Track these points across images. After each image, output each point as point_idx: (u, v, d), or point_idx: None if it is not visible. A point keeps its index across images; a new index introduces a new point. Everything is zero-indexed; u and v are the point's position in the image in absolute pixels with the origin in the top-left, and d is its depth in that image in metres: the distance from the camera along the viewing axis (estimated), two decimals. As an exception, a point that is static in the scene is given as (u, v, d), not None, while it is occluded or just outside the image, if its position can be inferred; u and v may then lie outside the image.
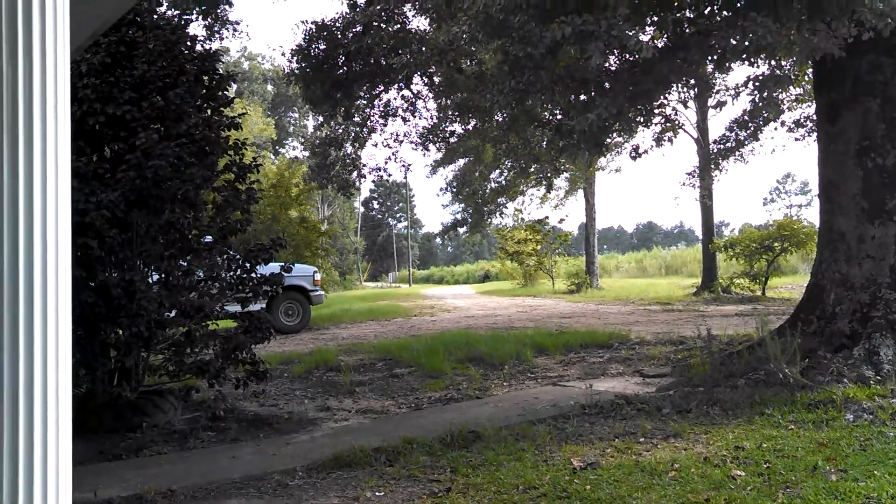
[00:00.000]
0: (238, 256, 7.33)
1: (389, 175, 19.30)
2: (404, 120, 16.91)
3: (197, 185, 6.69)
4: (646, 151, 12.74)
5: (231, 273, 7.29)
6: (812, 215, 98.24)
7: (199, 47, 7.31)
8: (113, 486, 4.82)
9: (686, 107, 23.77)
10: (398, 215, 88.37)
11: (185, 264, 7.01)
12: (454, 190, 30.11)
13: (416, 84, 15.93)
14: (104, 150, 6.70)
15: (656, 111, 10.53)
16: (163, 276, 6.89)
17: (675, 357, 9.62)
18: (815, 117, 12.57)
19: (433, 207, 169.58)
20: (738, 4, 7.22)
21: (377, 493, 4.53)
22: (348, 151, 17.88)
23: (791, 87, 15.34)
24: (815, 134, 9.84)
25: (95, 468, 5.38)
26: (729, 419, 5.91)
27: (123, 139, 6.49)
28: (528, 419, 6.35)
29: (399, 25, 14.05)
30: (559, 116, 10.22)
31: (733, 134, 18.42)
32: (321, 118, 17.51)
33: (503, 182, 27.64)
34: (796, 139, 17.57)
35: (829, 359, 7.03)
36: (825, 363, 6.95)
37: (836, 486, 4.11)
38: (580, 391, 7.45)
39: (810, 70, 11.25)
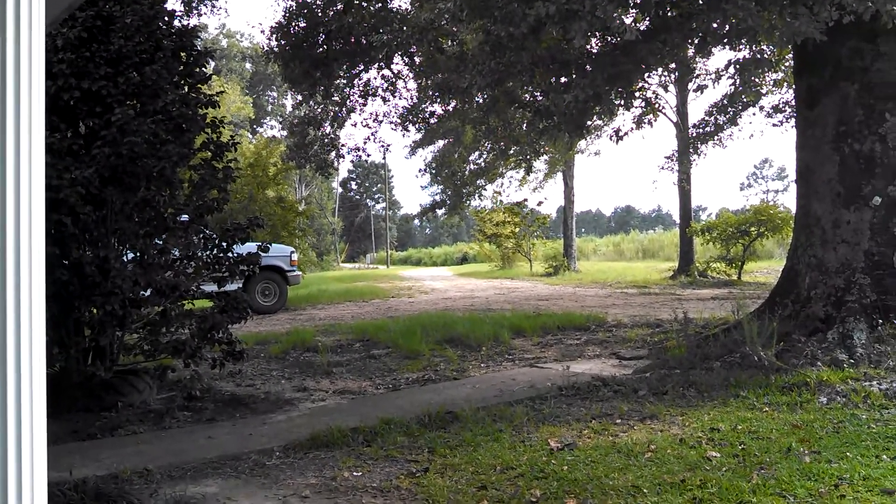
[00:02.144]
0: (214, 235, 7.27)
1: (368, 155, 19.24)
2: (384, 100, 16.81)
3: (173, 163, 6.60)
4: (626, 134, 12.75)
5: (207, 252, 7.24)
6: (788, 200, 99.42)
7: (176, 23, 7.20)
8: (88, 465, 4.77)
9: (666, 90, 23.87)
10: (376, 196, 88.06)
11: (161, 243, 6.94)
12: (433, 171, 30.07)
13: (397, 64, 15.84)
14: (79, 126, 6.60)
15: (636, 94, 10.54)
16: (138, 254, 6.82)
17: (652, 340, 9.69)
18: (793, 103, 12.66)
19: (412, 189, 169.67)
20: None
21: (355, 473, 4.53)
22: (327, 131, 17.76)
23: (771, 72, 15.43)
24: (794, 119, 9.90)
25: (70, 447, 5.33)
26: (704, 401, 5.97)
27: (99, 115, 6.39)
28: (505, 400, 6.38)
29: (380, 4, 13.93)
30: (539, 98, 10.20)
31: (712, 118, 18.54)
32: (300, 97, 17.36)
33: (482, 164, 27.63)
34: (774, 125, 17.73)
35: (803, 342, 7.10)
36: (800, 346, 7.02)
37: (810, 468, 4.16)
38: (557, 373, 7.49)
39: (790, 55, 11.31)
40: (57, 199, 5.79)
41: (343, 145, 18.50)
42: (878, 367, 6.48)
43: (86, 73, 6.34)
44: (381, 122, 17.54)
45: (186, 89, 7.11)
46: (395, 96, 16.78)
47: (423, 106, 17.12)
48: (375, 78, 16.37)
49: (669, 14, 7.79)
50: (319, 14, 13.59)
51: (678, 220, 27.49)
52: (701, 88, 20.19)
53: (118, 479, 4.50)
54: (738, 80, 15.19)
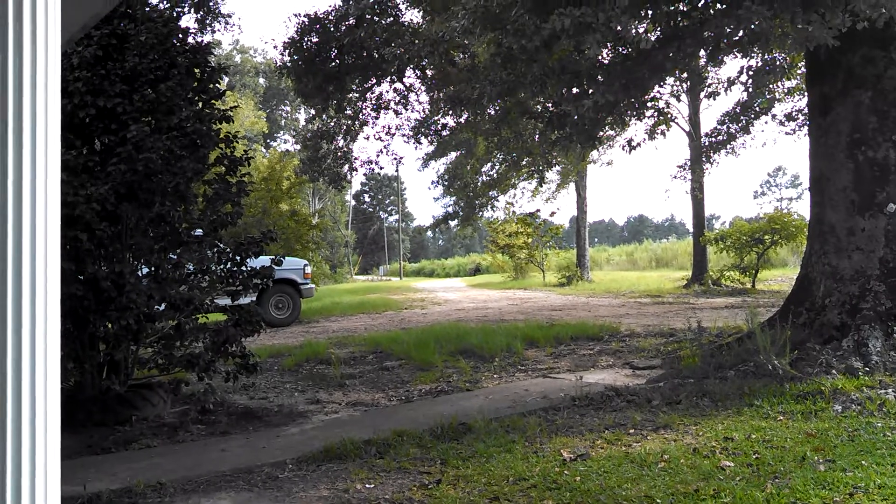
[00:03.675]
0: (228, 249, 7.31)
1: (381, 168, 19.31)
2: (396, 113, 16.92)
3: (188, 178, 6.67)
4: (639, 144, 12.71)
5: (221, 266, 7.28)
6: (802, 208, 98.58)
7: (190, 40, 7.30)
8: (102, 479, 4.81)
9: (679, 100, 23.87)
10: (389, 208, 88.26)
11: (175, 257, 6.99)
12: (446, 183, 30.17)
13: (409, 77, 15.94)
14: (95, 143, 6.67)
15: (649, 104, 10.54)
16: (152, 269, 6.87)
17: (665, 349, 9.65)
18: (806, 111, 12.62)
19: (424, 200, 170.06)
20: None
21: (367, 486, 4.53)
22: (340, 144, 17.88)
23: (784, 80, 15.41)
24: (807, 127, 9.87)
25: (84, 461, 5.37)
26: (718, 410, 5.94)
27: (114, 132, 6.47)
28: (518, 411, 6.37)
29: (392, 18, 14.03)
30: (551, 109, 10.22)
31: (725, 127, 18.53)
32: (313, 111, 17.50)
33: (495, 175, 27.69)
34: (787, 133, 17.72)
35: (818, 350, 7.06)
36: (814, 355, 6.98)
37: (824, 476, 4.14)
38: (570, 383, 7.47)
39: (802, 63, 11.29)
40: (73, 215, 5.86)
41: (356, 158, 18.63)
42: (894, 374, 6.44)
43: (101, 90, 6.42)
44: (394, 134, 17.66)
45: (201, 105, 7.18)
46: (407, 109, 16.89)
47: (436, 118, 17.21)
48: (388, 91, 16.49)
49: (682, 24, 7.79)
50: (332, 29, 13.71)
51: (691, 229, 27.43)
52: (713, 94, 20.17)
53: (132, 492, 4.53)
54: (750, 87, 15.17)
